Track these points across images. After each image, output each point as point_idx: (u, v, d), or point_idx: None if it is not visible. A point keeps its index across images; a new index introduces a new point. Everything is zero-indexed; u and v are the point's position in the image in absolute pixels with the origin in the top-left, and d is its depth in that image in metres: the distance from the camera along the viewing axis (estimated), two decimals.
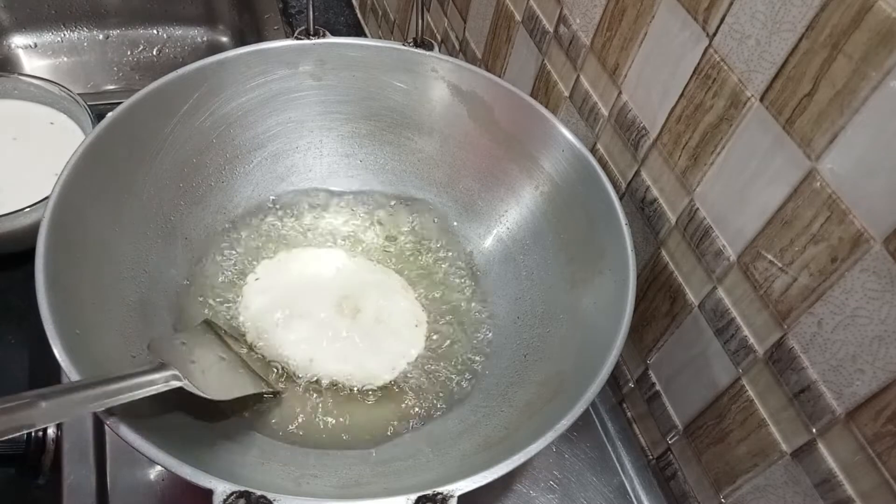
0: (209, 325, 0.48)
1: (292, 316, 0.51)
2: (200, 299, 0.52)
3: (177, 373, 0.38)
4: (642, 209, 0.49)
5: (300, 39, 0.54)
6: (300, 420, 0.47)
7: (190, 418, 0.43)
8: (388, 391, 0.49)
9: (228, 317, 0.51)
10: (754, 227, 0.40)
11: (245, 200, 0.57)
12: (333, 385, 0.49)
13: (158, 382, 0.37)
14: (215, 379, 0.43)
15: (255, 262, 0.55)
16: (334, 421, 0.47)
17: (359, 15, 1.05)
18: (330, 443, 0.46)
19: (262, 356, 0.50)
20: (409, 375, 0.50)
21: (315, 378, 0.49)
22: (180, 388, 0.38)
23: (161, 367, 0.38)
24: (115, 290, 0.46)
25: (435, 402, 0.49)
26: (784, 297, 0.38)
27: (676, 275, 0.47)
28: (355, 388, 0.49)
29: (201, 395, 0.39)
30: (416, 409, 0.49)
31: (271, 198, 0.58)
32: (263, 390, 0.46)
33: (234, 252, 0.55)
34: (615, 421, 0.55)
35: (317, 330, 0.51)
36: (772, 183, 0.38)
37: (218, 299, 0.52)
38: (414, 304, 0.54)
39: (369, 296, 0.53)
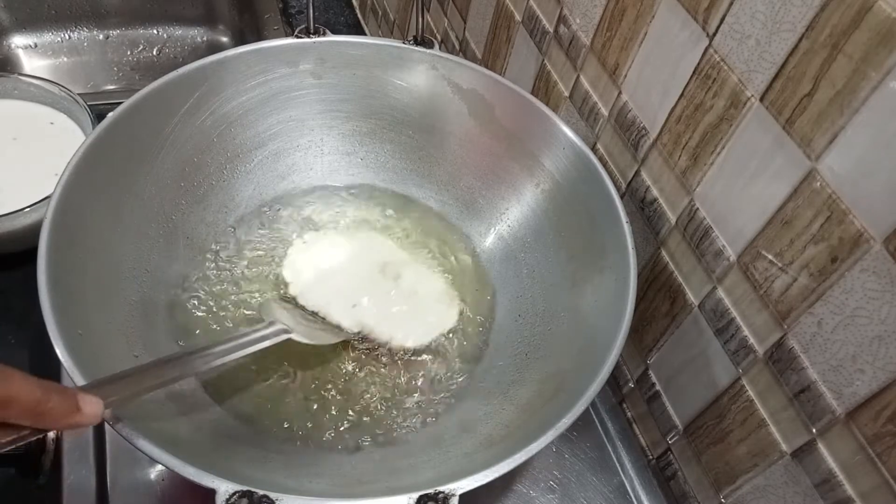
0: (280, 299, 0.52)
1: (337, 268, 0.55)
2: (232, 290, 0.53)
3: (285, 326, 0.45)
4: (642, 209, 0.49)
5: (300, 38, 0.54)
6: (302, 419, 0.47)
7: (191, 419, 0.43)
8: (394, 383, 0.49)
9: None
10: (754, 227, 0.40)
11: (246, 199, 0.57)
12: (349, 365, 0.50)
13: (271, 336, 0.44)
14: (307, 332, 0.48)
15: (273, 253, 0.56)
16: (336, 418, 0.47)
17: (359, 15, 1.05)
18: (332, 441, 0.46)
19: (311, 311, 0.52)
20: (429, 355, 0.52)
21: (357, 330, 0.51)
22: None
23: (271, 324, 0.45)
24: (116, 289, 0.46)
25: (436, 399, 0.49)
26: (784, 297, 0.38)
27: (676, 275, 0.47)
28: (388, 345, 0.51)
29: (308, 342, 0.46)
30: (417, 408, 0.49)
31: (271, 198, 0.58)
32: (342, 339, 0.50)
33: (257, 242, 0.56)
34: (615, 421, 0.55)
35: (361, 283, 0.54)
36: (772, 183, 0.38)
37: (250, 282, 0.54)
38: (448, 284, 0.56)
39: (409, 268, 0.56)
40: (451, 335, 0.53)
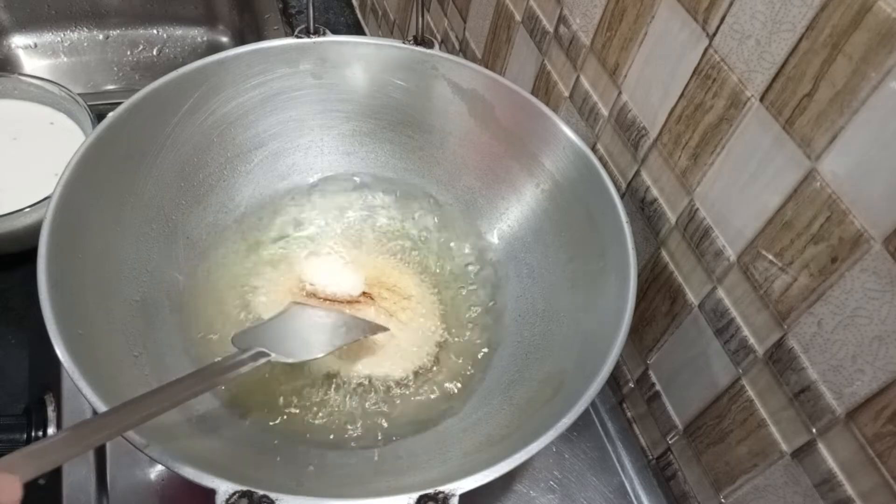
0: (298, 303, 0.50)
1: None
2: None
3: (262, 349, 0.43)
4: (642, 209, 0.50)
5: (300, 38, 0.54)
6: (303, 419, 0.47)
7: (191, 419, 0.43)
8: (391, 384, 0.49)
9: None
10: (754, 227, 0.40)
11: (246, 199, 0.57)
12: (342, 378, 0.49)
13: (248, 361, 0.42)
14: (303, 343, 0.46)
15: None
16: (337, 418, 0.47)
17: (359, 15, 1.05)
18: (333, 441, 0.46)
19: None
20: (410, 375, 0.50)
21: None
22: None
23: (245, 350, 0.42)
24: (117, 289, 0.46)
25: (435, 398, 0.49)
26: (784, 297, 0.38)
27: (676, 275, 0.47)
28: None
29: (289, 361, 0.44)
30: (417, 408, 0.49)
31: (275, 195, 0.58)
32: (370, 335, 0.50)
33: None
34: (615, 421, 0.55)
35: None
36: (772, 183, 0.38)
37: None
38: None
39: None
40: (450, 334, 0.53)
